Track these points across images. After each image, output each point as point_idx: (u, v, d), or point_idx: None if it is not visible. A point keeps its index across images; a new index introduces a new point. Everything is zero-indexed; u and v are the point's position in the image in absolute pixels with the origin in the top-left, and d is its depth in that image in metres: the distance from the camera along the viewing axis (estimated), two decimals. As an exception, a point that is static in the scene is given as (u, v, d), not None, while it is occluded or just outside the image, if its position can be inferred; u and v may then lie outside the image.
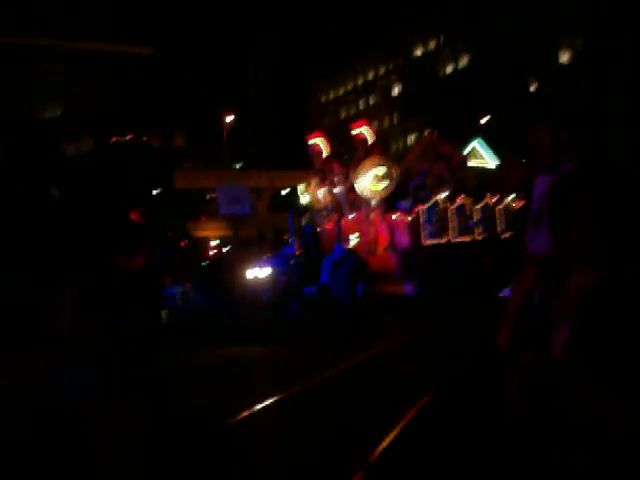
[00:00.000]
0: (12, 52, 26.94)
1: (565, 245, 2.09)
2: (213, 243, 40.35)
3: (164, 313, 17.40)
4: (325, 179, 18.22)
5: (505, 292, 3.06)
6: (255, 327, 12.98)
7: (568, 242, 2.08)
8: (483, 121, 50.88)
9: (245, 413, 7.48)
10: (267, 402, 7.99)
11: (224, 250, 34.96)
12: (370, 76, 78.08)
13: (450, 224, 18.66)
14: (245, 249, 23.31)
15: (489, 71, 60.10)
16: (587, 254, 2.06)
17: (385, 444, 6.02)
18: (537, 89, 64.02)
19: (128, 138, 27.94)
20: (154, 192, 28.59)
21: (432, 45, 69.53)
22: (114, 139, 28.40)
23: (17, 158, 23.86)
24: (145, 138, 28.41)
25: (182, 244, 27.34)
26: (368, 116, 70.17)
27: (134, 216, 24.71)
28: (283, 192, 36.22)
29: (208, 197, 42.52)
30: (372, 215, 17.61)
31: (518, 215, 18.80)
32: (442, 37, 67.74)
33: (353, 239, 17.14)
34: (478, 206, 19.84)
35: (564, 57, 66.77)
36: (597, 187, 2.08)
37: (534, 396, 2.12)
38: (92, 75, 27.68)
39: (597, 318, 1.98)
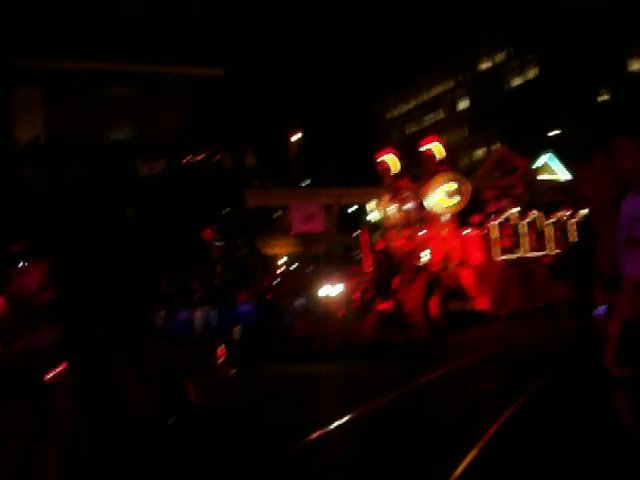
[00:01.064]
0: (88, 76, 27.78)
1: None
2: (282, 260, 40.64)
3: (236, 329, 17.67)
4: (395, 196, 18.21)
5: (600, 310, 3.04)
6: (328, 344, 13.05)
7: None
8: (552, 134, 50.19)
9: (319, 432, 7.54)
10: (343, 420, 8.05)
11: (293, 267, 35.21)
12: (438, 90, 77.78)
13: (522, 239, 18.45)
14: (316, 266, 23.45)
15: (557, 83, 59.29)
16: None
17: (467, 462, 6.00)
18: (608, 100, 62.84)
19: (200, 158, 28.47)
20: (225, 211, 29.02)
21: (498, 58, 68.91)
22: (186, 159, 28.96)
23: (94, 181, 24.53)
24: (217, 157, 28.90)
25: (252, 261, 27.64)
26: (436, 131, 69.90)
27: (206, 235, 25.15)
28: (350, 210, 36.32)
29: (277, 215, 42.96)
30: (444, 231, 17.53)
31: (584, 228, 18.53)
32: (509, 50, 67.08)
33: (425, 256, 17.09)
34: (550, 220, 19.58)
35: (634, 65, 65.44)
36: None
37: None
38: (165, 97, 28.32)
39: None
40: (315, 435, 7.44)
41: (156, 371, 6.97)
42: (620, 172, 3.32)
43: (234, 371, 9.88)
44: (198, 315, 18.55)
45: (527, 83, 65.14)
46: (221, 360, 8.39)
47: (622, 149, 3.17)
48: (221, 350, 8.48)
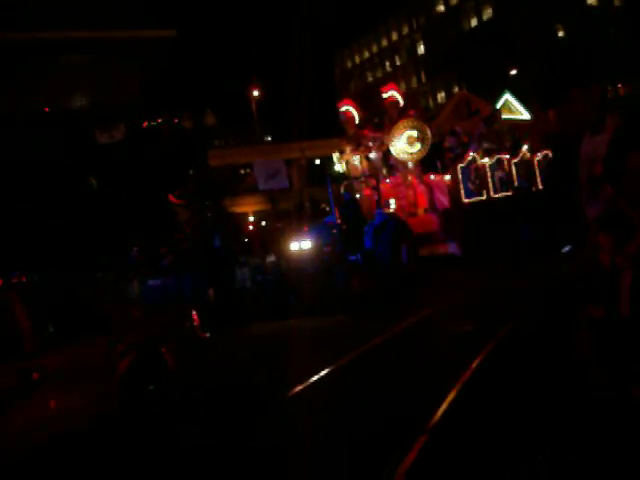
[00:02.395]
0: (38, 46, 27.13)
1: (627, 198, 2.11)
2: (251, 218, 40.52)
3: (210, 292, 17.60)
4: (359, 145, 18.13)
5: (566, 248, 3.07)
6: (303, 300, 13.05)
7: (629, 195, 2.10)
8: (512, 73, 50.19)
9: (300, 386, 7.56)
10: (324, 371, 8.09)
11: (262, 224, 35.10)
12: (395, 37, 77.19)
13: (489, 180, 18.50)
14: (285, 222, 23.38)
15: (512, 22, 59.08)
16: None
17: (445, 405, 6.06)
18: (565, 37, 62.81)
19: (159, 122, 28.10)
20: (190, 172, 28.74)
21: (453, 0, 68.44)
22: (145, 124, 28.57)
23: (53, 151, 24.14)
24: (176, 120, 28.55)
25: (219, 221, 27.50)
26: (395, 77, 69.66)
27: (173, 198, 24.92)
28: (317, 162, 36.18)
29: (242, 172, 42.69)
30: (410, 178, 17.53)
31: (552, 168, 18.65)
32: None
33: (393, 203, 17.11)
34: (515, 160, 19.65)
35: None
36: None
37: (603, 346, 2.16)
38: (118, 63, 27.81)
39: None
40: (300, 387, 7.49)
41: (130, 339, 6.95)
42: (581, 117, 3.32)
43: (208, 335, 9.77)
44: (170, 281, 18.44)
45: (483, 24, 64.82)
46: (195, 325, 8.35)
47: (575, 99, 3.18)
48: (194, 315, 8.43)
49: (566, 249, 3.82)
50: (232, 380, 8.65)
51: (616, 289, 2.14)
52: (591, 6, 64.75)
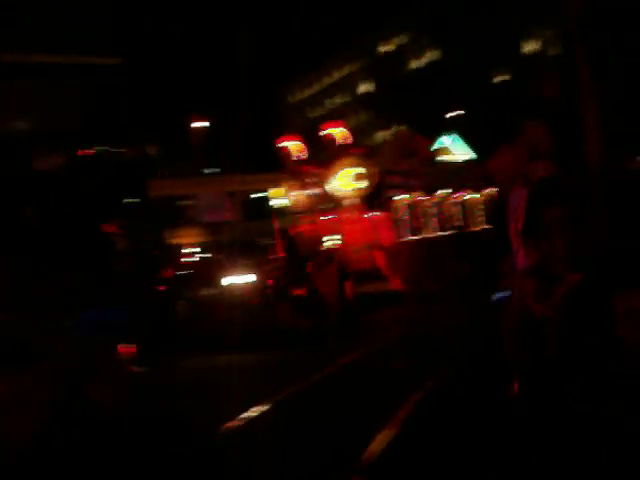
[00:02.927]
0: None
1: (546, 252, 2.23)
2: (190, 250, 40.18)
3: (147, 325, 17.30)
4: (302, 181, 18.17)
5: (497, 296, 3.20)
6: (242, 333, 12.91)
7: (547, 249, 2.22)
8: (452, 115, 51.17)
9: (235, 422, 7.43)
10: (260, 408, 7.96)
11: (203, 256, 34.86)
12: (340, 74, 78.19)
13: (427, 219, 18.71)
14: (225, 255, 23.23)
15: (456, 66, 60.45)
16: (565, 259, 2.21)
17: (379, 443, 6.02)
18: (505, 81, 64.49)
19: (100, 150, 27.78)
20: (130, 202, 28.43)
21: (400, 40, 69.78)
22: (85, 151, 28.21)
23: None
24: (117, 149, 28.26)
25: (158, 252, 27.21)
26: (339, 114, 70.38)
27: (110, 229, 24.55)
28: (257, 196, 36.16)
29: (183, 204, 42.45)
30: (353, 214, 17.61)
31: (494, 210, 19.00)
32: (410, 32, 68.00)
33: (334, 240, 17.13)
34: (456, 199, 19.94)
35: (530, 47, 67.34)
36: (567, 197, 2.25)
37: (534, 392, 2.24)
38: (61, 88, 27.44)
39: (575, 320, 2.14)
40: (231, 424, 7.34)
41: (52, 372, 6.71)
42: (505, 171, 3.45)
43: (142, 369, 9.59)
44: (105, 312, 18.05)
45: (427, 65, 66.18)
46: (128, 358, 8.14)
47: (503, 153, 3.34)
48: (128, 348, 8.23)
49: (498, 296, 3.89)
50: (162, 415, 8.44)
51: (543, 335, 2.25)
52: (526, 55, 66.66)
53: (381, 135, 71.00)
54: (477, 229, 19.60)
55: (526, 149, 3.33)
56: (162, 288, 20.84)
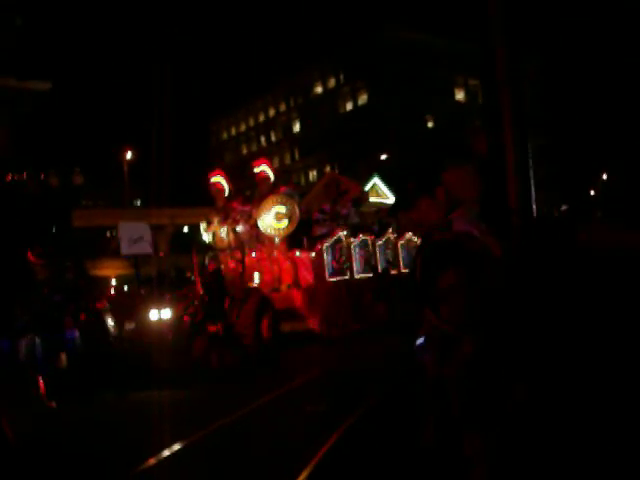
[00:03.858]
0: None
1: (444, 317, 2.26)
2: (113, 282, 39.62)
3: (62, 357, 16.90)
4: (227, 217, 18.17)
5: (418, 342, 3.21)
6: (159, 370, 12.76)
7: (445, 314, 2.25)
8: (382, 158, 52.00)
9: (151, 461, 7.34)
10: (174, 447, 7.88)
11: (124, 289, 34.36)
12: (271, 113, 78.69)
13: (353, 260, 18.88)
14: (146, 289, 22.92)
15: (386, 109, 61.50)
16: (463, 322, 2.24)
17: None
18: (434, 126, 65.91)
19: (24, 177, 27.24)
20: (52, 231, 27.86)
21: (332, 83, 70.69)
22: (9, 177, 27.62)
23: None
24: (43, 176, 27.76)
25: (81, 284, 26.69)
26: (269, 153, 70.79)
27: (31, 257, 24.02)
28: (184, 230, 35.94)
29: (108, 235, 41.86)
30: (275, 253, 17.68)
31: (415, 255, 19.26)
32: (341, 76, 68.97)
33: (257, 277, 17.14)
34: (380, 242, 20.19)
35: (459, 95, 69.10)
36: (462, 259, 2.25)
37: (442, 443, 2.28)
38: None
39: (475, 382, 2.19)
40: (147, 463, 7.25)
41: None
42: (424, 223, 3.47)
43: (54, 404, 9.36)
44: (22, 343, 17.59)
45: (358, 108, 67.14)
46: (42, 392, 7.96)
47: (422, 206, 3.34)
48: (41, 382, 8.05)
49: (420, 342, 3.93)
50: (75, 452, 8.27)
51: (446, 394, 2.31)
52: (459, 102, 68.39)
53: (312, 175, 71.56)
54: (398, 272, 19.88)
55: (445, 199, 3.37)
56: (88, 319, 20.43)
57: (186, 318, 14.16)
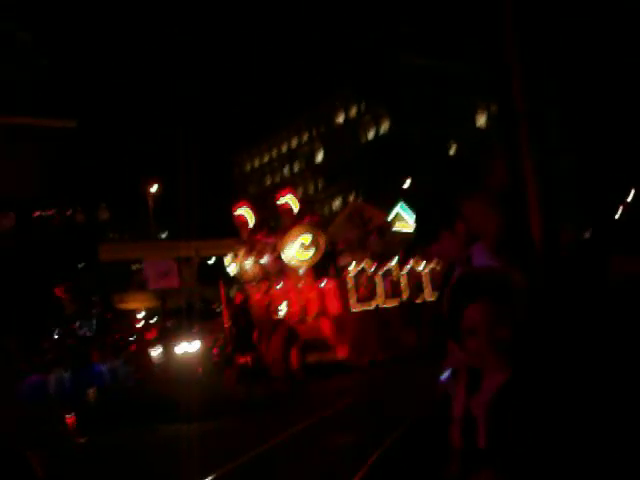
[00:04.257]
0: None
1: (472, 351, 2.27)
2: (140, 315, 39.72)
3: (91, 391, 17.00)
4: (252, 249, 18.22)
5: (444, 376, 3.17)
6: (189, 402, 12.77)
7: (473, 348, 2.25)
8: (405, 185, 51.98)
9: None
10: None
11: (151, 322, 34.47)
12: (294, 143, 79.06)
13: (378, 289, 18.84)
14: (175, 320, 23.01)
15: (409, 137, 61.61)
16: (487, 358, 2.24)
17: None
18: (456, 152, 65.86)
19: (51, 213, 27.58)
20: (79, 266, 28.14)
21: (353, 112, 70.96)
22: (37, 213, 27.98)
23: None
24: (69, 212, 28.09)
25: (109, 316, 26.89)
26: (293, 183, 70.97)
27: (59, 292, 24.27)
28: (210, 262, 36.06)
29: (134, 268, 42.06)
30: (301, 283, 17.67)
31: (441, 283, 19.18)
32: (362, 104, 69.26)
33: (283, 308, 17.14)
34: (404, 270, 20.11)
35: (481, 121, 69.08)
36: (488, 293, 2.25)
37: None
38: (14, 149, 27.34)
39: (504, 419, 2.18)
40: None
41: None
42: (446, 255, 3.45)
43: (85, 439, 9.40)
44: (51, 378, 17.73)
45: (380, 137, 67.28)
46: (72, 428, 8.01)
47: (443, 239, 3.30)
48: (71, 417, 8.10)
49: (445, 375, 3.89)
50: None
51: (473, 428, 2.30)
52: (480, 128, 68.38)
53: (336, 204, 71.62)
54: (425, 300, 19.75)
55: (464, 233, 3.35)
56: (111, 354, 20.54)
57: (215, 350, 14.19)
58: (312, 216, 20.76)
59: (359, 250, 19.60)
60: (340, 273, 18.32)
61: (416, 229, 3.18)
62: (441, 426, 2.48)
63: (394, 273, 19.63)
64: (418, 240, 3.14)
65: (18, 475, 6.61)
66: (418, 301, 19.52)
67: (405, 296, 19.49)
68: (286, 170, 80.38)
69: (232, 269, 18.62)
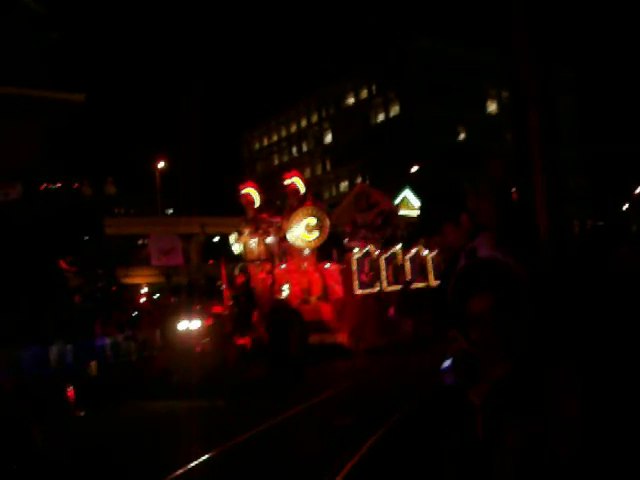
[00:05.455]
0: None
1: (474, 342, 2.27)
2: (144, 290, 39.83)
3: (93, 365, 17.10)
4: (257, 229, 18.20)
5: (445, 364, 3.17)
6: (187, 380, 12.84)
7: (477, 339, 2.26)
8: (413, 170, 51.92)
9: (180, 470, 7.40)
10: (202, 458, 7.93)
11: (155, 297, 34.59)
12: (303, 124, 78.86)
13: (382, 273, 18.82)
14: (178, 297, 23.07)
15: (418, 121, 61.39)
16: (493, 348, 2.25)
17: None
18: (465, 139, 65.64)
19: (58, 185, 27.55)
20: (85, 239, 28.14)
21: (364, 94, 70.70)
22: (43, 186, 27.94)
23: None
24: (76, 185, 28.06)
25: (113, 290, 26.93)
26: (301, 163, 70.95)
27: (64, 264, 24.31)
28: (215, 239, 36.09)
29: (140, 243, 42.20)
30: (305, 265, 17.67)
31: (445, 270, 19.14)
32: (374, 87, 68.96)
33: (286, 289, 17.15)
34: (409, 255, 20.07)
35: (491, 107, 68.75)
36: (493, 284, 2.26)
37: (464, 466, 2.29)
38: (22, 121, 27.30)
39: (502, 410, 2.19)
40: (175, 474, 7.29)
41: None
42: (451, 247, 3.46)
43: (83, 413, 9.42)
44: (53, 350, 17.84)
45: (390, 120, 67.03)
46: (71, 401, 8.07)
47: (446, 232, 3.31)
48: (70, 391, 8.16)
49: (446, 365, 3.86)
50: (101, 462, 8.34)
51: (471, 419, 2.30)
52: (491, 114, 68.10)
53: (343, 186, 71.56)
54: (426, 285, 19.73)
55: (469, 225, 3.35)
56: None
57: (216, 329, 14.23)
58: (316, 200, 20.71)
59: (364, 233, 19.61)
60: (344, 256, 18.31)
61: (420, 220, 3.21)
62: (440, 415, 2.50)
63: (398, 257, 19.62)
64: (422, 231, 3.16)
65: (17, 442, 6.69)
66: (421, 286, 19.52)
67: (407, 281, 19.46)
68: (295, 150, 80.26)
69: (236, 248, 18.61)
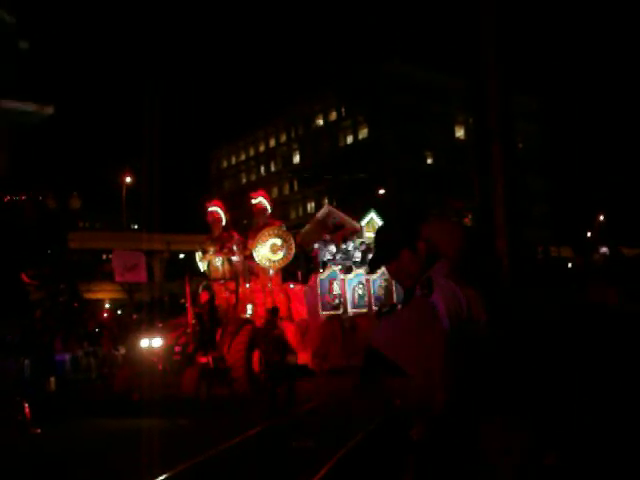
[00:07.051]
0: None
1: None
2: (106, 306, 39.46)
3: (51, 381, 16.81)
4: (223, 247, 18.15)
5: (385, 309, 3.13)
6: (147, 398, 12.72)
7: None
8: (381, 192, 52.18)
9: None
10: (161, 477, 7.84)
11: (118, 313, 34.27)
12: (272, 143, 78.98)
13: (346, 295, 18.84)
14: (140, 314, 22.83)
15: (386, 145, 61.77)
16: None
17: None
18: (433, 163, 66.20)
19: (22, 198, 27.25)
20: (48, 253, 27.82)
21: (333, 116, 71.05)
22: (7, 198, 27.63)
23: None
24: (40, 198, 27.77)
25: (75, 306, 26.63)
26: (269, 182, 70.98)
27: (26, 277, 23.98)
28: (181, 256, 35.91)
29: (104, 257, 41.84)
30: (269, 285, 17.66)
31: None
32: (343, 109, 69.34)
33: (250, 309, 17.11)
34: (374, 277, 20.10)
35: (459, 132, 69.47)
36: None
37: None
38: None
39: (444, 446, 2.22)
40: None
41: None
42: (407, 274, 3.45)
43: (39, 430, 9.25)
44: (10, 364, 17.50)
45: (358, 142, 67.37)
46: (27, 417, 7.92)
47: (403, 258, 3.29)
48: (26, 408, 8.03)
49: (385, 310, 3.92)
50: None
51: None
52: (459, 139, 68.75)
53: (309, 206, 71.68)
54: (390, 308, 19.76)
55: (425, 253, 3.34)
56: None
57: (177, 348, 14.09)
58: (283, 221, 20.74)
59: (330, 255, 19.64)
60: (309, 277, 18.33)
61: (376, 247, 3.17)
62: (394, 437, 2.52)
63: (363, 279, 19.65)
64: (377, 258, 3.12)
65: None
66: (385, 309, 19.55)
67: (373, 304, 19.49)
68: (262, 169, 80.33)
69: (201, 266, 18.54)
